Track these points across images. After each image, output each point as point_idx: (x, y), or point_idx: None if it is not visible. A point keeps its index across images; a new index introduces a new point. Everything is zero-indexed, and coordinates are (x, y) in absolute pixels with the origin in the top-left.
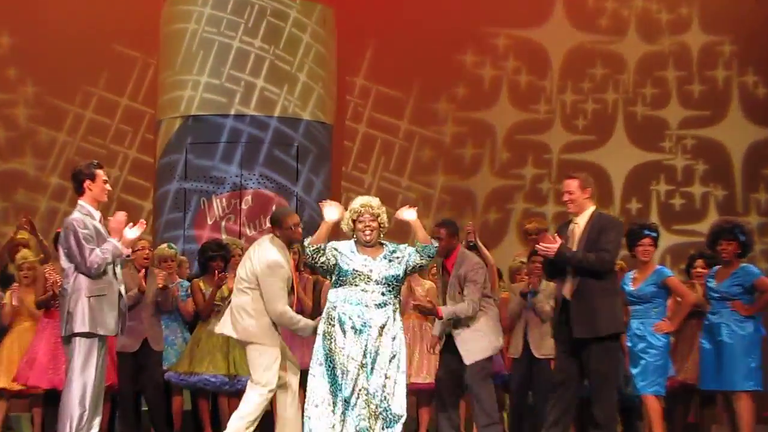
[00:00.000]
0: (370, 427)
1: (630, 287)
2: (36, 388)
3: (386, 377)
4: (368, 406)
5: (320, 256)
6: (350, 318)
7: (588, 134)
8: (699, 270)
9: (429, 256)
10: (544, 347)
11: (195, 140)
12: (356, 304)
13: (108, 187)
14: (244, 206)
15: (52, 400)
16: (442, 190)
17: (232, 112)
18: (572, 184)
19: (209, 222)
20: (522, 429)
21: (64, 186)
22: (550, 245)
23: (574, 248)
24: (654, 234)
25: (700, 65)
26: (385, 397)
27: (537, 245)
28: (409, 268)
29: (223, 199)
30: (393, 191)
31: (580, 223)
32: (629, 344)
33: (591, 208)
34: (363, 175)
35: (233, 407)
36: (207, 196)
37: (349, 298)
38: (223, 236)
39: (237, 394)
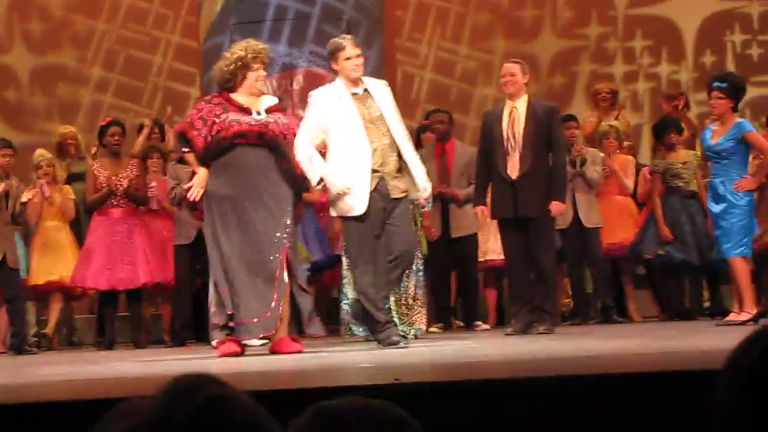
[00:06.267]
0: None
1: (709, 142)
2: (93, 289)
3: None
4: None
5: None
6: None
7: None
8: None
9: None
10: (593, 216)
11: (239, 20)
12: None
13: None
14: (295, 86)
15: (109, 301)
16: (503, 55)
17: None
18: (515, 68)
19: None
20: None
21: (106, 78)
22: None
23: (521, 131)
24: (722, 85)
25: None
26: None
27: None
28: None
29: (273, 81)
30: (451, 60)
31: (519, 107)
32: (709, 205)
33: (526, 95)
34: (418, 46)
35: None
36: None
37: None
38: None
39: None
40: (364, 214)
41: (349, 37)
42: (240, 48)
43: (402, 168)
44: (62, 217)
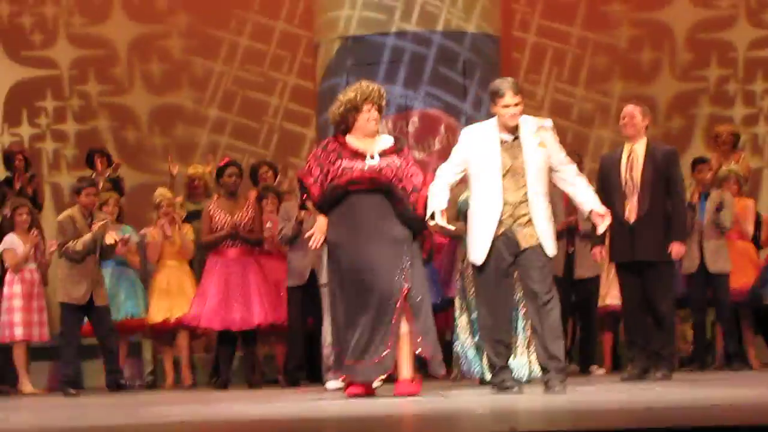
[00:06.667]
0: None
1: None
2: (208, 329)
3: None
4: None
5: None
6: None
7: None
8: None
9: None
10: (721, 261)
11: (355, 62)
12: None
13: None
14: (410, 128)
15: (225, 341)
16: (620, 98)
17: (393, 30)
18: (635, 110)
19: None
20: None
21: (223, 118)
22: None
23: (639, 174)
24: None
25: None
26: None
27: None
28: None
29: (389, 122)
30: (567, 103)
31: (638, 150)
32: None
33: (645, 137)
34: (535, 88)
35: None
36: None
37: None
38: None
39: None
40: (486, 262)
41: (511, 81)
42: (351, 90)
43: (534, 220)
44: (182, 257)
